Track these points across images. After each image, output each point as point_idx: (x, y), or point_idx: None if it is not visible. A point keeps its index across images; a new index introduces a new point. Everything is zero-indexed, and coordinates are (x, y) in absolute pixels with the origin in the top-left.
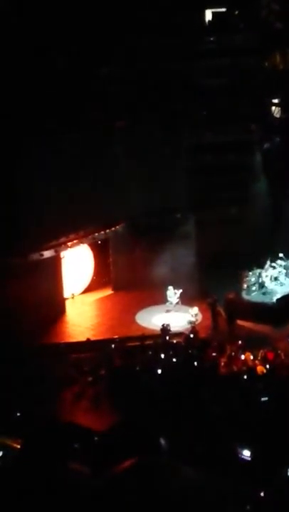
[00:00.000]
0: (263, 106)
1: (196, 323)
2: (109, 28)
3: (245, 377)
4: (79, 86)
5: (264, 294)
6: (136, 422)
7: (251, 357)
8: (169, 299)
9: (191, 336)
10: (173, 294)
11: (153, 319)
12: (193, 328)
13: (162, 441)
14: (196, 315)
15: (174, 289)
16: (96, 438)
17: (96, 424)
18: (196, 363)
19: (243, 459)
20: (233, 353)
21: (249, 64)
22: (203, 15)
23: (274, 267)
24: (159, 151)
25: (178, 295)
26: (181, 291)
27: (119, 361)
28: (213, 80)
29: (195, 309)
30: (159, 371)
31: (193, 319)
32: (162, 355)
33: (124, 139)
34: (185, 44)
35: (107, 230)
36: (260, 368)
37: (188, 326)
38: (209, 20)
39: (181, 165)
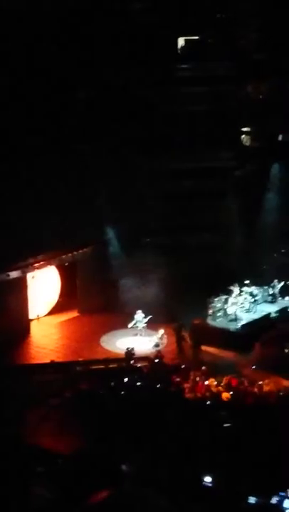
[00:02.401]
0: (236, 134)
1: (162, 347)
2: (85, 54)
3: (208, 403)
4: (55, 108)
5: (229, 320)
6: (100, 447)
7: (215, 383)
8: (136, 323)
9: (156, 360)
10: (141, 318)
11: (118, 343)
12: (159, 352)
13: (125, 468)
14: (161, 339)
15: (142, 313)
16: (60, 461)
17: (60, 447)
18: (160, 388)
19: (205, 485)
20: (197, 379)
21: (225, 92)
22: (177, 43)
23: (240, 294)
24: (132, 175)
25: (146, 320)
26: (150, 316)
27: (83, 384)
28: (188, 107)
29: (160, 333)
30: (123, 395)
31: (158, 343)
32: (126, 379)
33: (96, 162)
34: (160, 71)
35: (75, 253)
36: (225, 395)
37: (154, 350)
38: (184, 48)
39: (154, 190)
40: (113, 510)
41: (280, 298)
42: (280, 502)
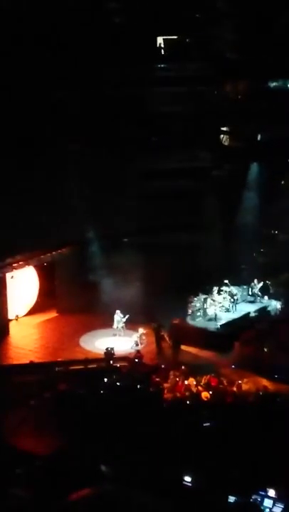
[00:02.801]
0: (214, 134)
1: (141, 347)
2: (64, 52)
3: (188, 402)
4: (30, 108)
5: (209, 320)
6: (79, 446)
7: (194, 383)
8: (115, 323)
9: (136, 360)
10: (120, 318)
11: (97, 343)
12: (138, 352)
13: (104, 468)
14: (140, 339)
15: (121, 313)
16: (37, 462)
17: (39, 449)
18: (139, 387)
19: (185, 485)
20: (176, 379)
21: (202, 92)
22: (155, 42)
23: (220, 293)
24: (109, 176)
25: (124, 319)
26: (128, 316)
27: (63, 384)
28: (165, 107)
29: (139, 333)
30: (103, 395)
31: (138, 343)
32: (106, 379)
33: (74, 163)
34: (138, 70)
35: (54, 253)
36: (204, 394)
37: (133, 350)
38: (162, 48)
39: (132, 190)
40: (93, 509)
41: (259, 298)
42: (261, 501)
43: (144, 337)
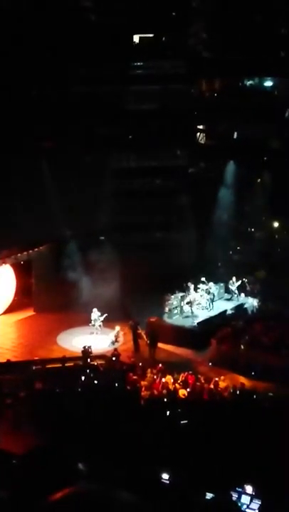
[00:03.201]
0: (190, 132)
1: (118, 345)
2: (40, 51)
3: (165, 400)
4: (7, 105)
5: (185, 317)
6: (55, 445)
7: (172, 380)
8: (92, 321)
9: (113, 358)
10: (97, 316)
11: (74, 341)
12: (115, 350)
13: (81, 466)
14: (117, 336)
15: (98, 311)
16: (14, 461)
17: (15, 448)
18: (116, 386)
19: (162, 482)
20: (154, 377)
21: (177, 90)
22: (131, 40)
23: (196, 291)
24: (86, 174)
25: (102, 318)
26: (106, 315)
27: (39, 383)
28: (140, 105)
29: (116, 330)
30: (80, 393)
31: (114, 341)
32: (83, 378)
33: (49, 160)
34: (113, 68)
35: (30, 251)
36: (181, 392)
37: (110, 349)
38: (137, 45)
39: (108, 188)
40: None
41: (236, 295)
42: (238, 498)
43: (120, 335)
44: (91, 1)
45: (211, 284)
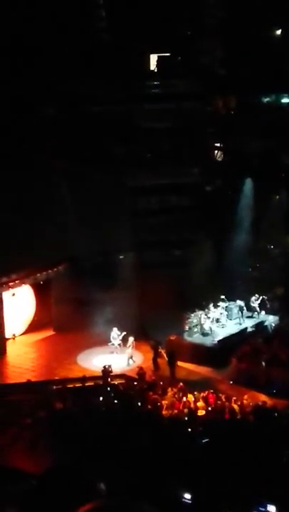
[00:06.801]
0: (205, 150)
1: (133, 363)
2: (53, 69)
3: (186, 419)
4: (23, 125)
5: (205, 335)
6: (74, 465)
7: (192, 399)
8: (112, 340)
9: (139, 375)
10: (116, 335)
11: (94, 361)
12: (141, 369)
13: (101, 486)
14: (131, 347)
15: (118, 330)
16: (33, 482)
17: (33, 468)
18: (137, 405)
19: (184, 502)
20: (175, 396)
21: (192, 108)
22: (148, 59)
23: (216, 309)
24: (102, 193)
25: (121, 337)
26: (124, 333)
27: (59, 403)
28: (157, 124)
29: (131, 341)
30: (99, 413)
31: (130, 357)
32: (102, 398)
33: (67, 180)
34: (129, 87)
35: (49, 271)
36: (200, 410)
37: (129, 368)
38: (155, 65)
39: (125, 206)
40: None
41: (257, 313)
42: None
43: (133, 344)
44: (107, 21)
45: (231, 301)
